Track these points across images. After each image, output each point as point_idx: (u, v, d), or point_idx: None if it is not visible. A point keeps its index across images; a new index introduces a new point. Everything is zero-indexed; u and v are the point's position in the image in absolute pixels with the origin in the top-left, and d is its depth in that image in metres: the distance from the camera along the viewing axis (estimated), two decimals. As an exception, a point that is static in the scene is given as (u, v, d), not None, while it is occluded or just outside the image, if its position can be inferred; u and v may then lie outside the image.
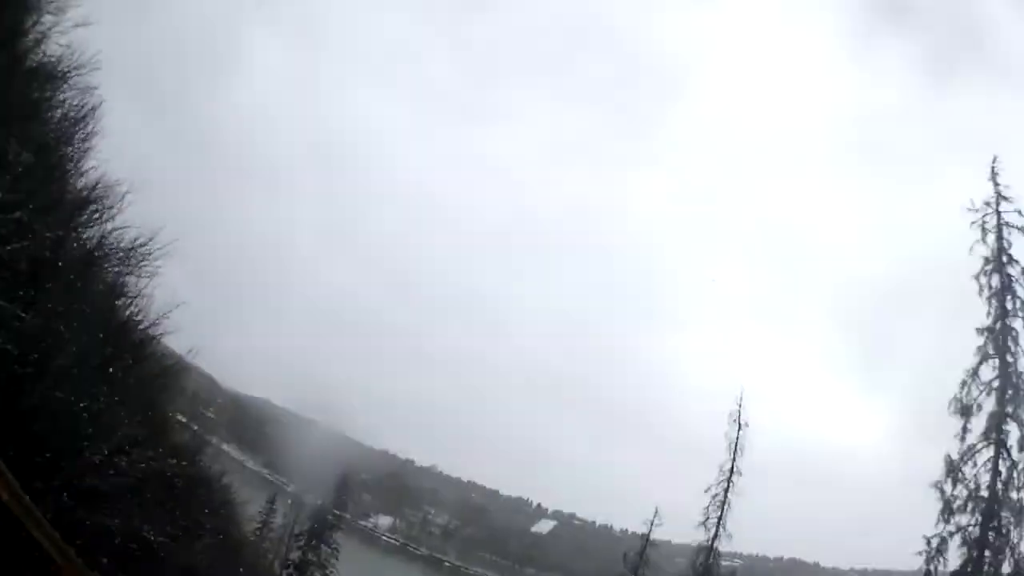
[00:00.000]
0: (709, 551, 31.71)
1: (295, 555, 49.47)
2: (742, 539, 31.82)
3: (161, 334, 18.93)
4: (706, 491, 31.90)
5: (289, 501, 53.86)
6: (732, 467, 32.04)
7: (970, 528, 23.25)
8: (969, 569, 21.43)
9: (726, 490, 32.20)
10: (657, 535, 33.93)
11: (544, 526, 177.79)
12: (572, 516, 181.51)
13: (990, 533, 21.66)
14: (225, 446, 73.45)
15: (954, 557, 23.33)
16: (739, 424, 32.31)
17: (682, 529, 33.58)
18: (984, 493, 21.83)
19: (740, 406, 32.88)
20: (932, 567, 22.57)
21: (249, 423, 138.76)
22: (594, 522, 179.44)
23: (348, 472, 52.73)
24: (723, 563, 32.08)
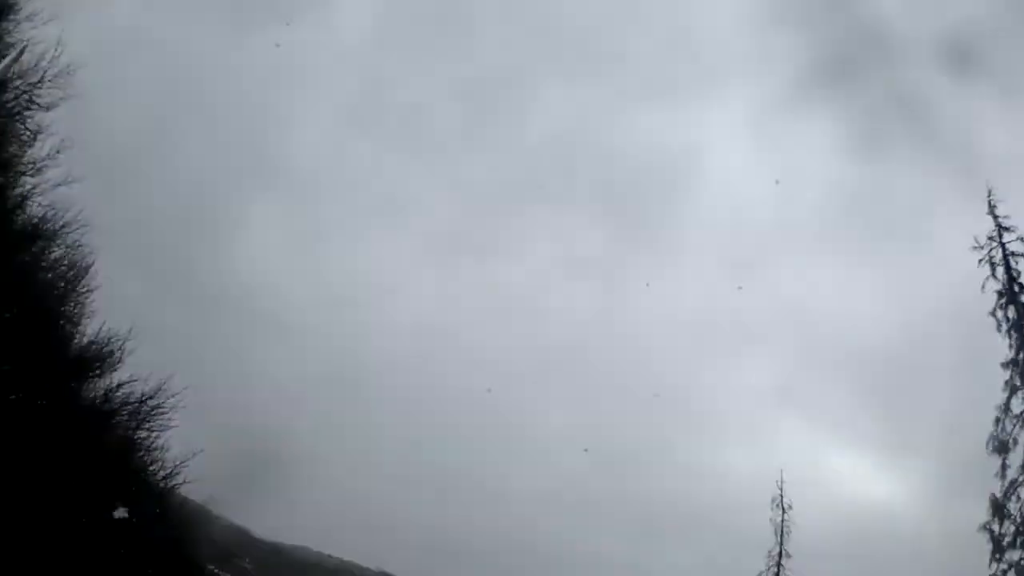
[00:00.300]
0: None
1: None
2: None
3: (179, 484, 18.05)
4: None
5: None
6: (780, 551, 31.63)
7: (1022, 562, 22.49)
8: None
9: (776, 574, 31.62)
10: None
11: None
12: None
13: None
14: None
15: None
16: (782, 507, 31.80)
17: None
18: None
19: (781, 489, 32.34)
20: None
21: (286, 571, 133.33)
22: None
23: None
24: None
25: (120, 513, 9.48)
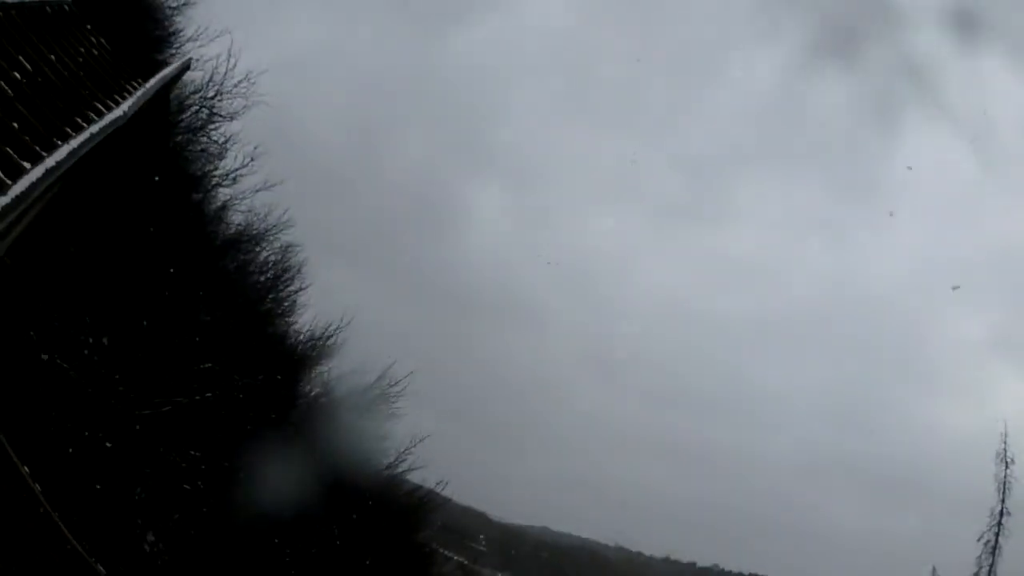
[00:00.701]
0: None
1: None
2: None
3: (409, 469, 18.29)
4: (978, 540, 28.44)
5: None
6: (1002, 508, 28.57)
7: None
8: None
9: (997, 534, 28.57)
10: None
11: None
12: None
13: None
14: (499, 574, 73.30)
15: None
16: (1006, 461, 28.22)
17: None
18: None
19: (1005, 442, 28.79)
20: None
21: (523, 550, 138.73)
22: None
23: None
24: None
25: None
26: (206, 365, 10.07)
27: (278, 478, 11.49)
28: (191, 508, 8.23)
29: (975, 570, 28.45)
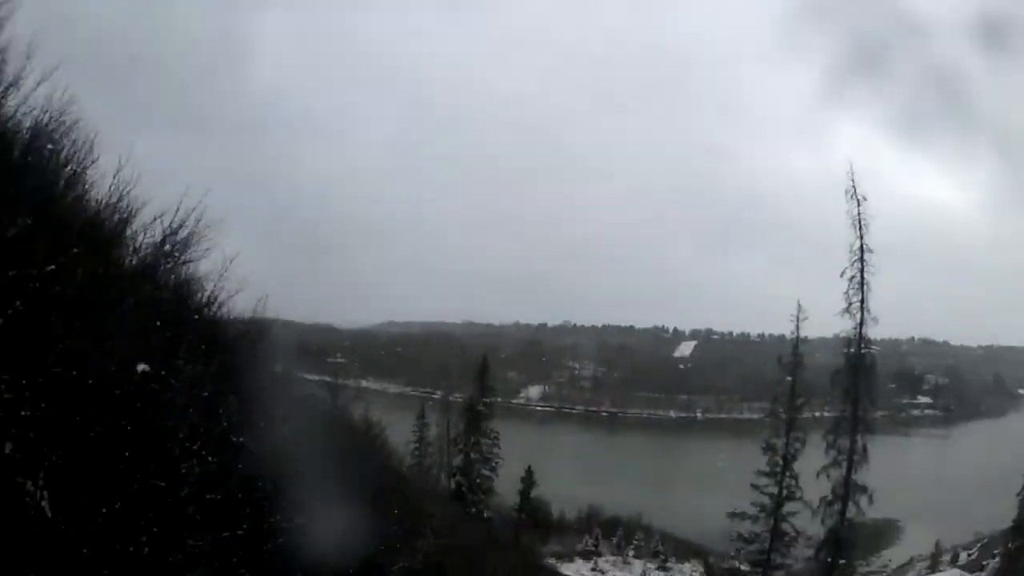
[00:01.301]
0: (860, 338, 30.47)
1: (457, 460, 48.74)
2: (874, 324, 30.36)
3: (229, 301, 17.90)
4: (842, 274, 30.04)
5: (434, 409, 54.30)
6: (861, 244, 30.09)
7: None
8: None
9: (861, 270, 30.33)
10: (785, 331, 33.95)
11: (685, 348, 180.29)
12: (709, 332, 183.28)
13: None
14: (363, 382, 76.55)
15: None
16: (857, 199, 30.09)
17: (816, 324, 33.12)
18: None
19: (853, 181, 30.60)
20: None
21: (379, 351, 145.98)
22: (731, 333, 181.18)
23: (487, 357, 51.97)
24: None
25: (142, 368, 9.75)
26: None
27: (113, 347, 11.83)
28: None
29: (845, 306, 30.83)
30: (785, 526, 32.48)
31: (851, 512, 31.12)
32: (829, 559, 30.71)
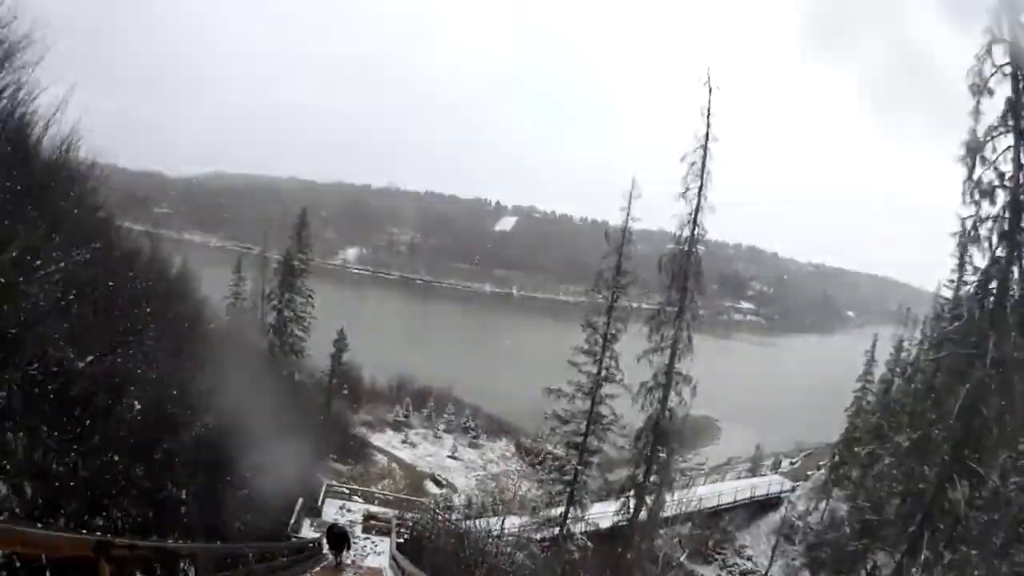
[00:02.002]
0: (694, 223, 30.44)
1: (271, 318, 46.02)
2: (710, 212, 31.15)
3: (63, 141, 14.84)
4: (682, 159, 29.39)
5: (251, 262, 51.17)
6: (707, 131, 29.61)
7: (1002, 218, 21.41)
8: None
9: (703, 157, 29.87)
10: (609, 218, 33.66)
11: (506, 223, 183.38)
12: (532, 210, 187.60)
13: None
14: (186, 235, 70.77)
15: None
16: (709, 87, 29.54)
17: (640, 215, 32.90)
18: (1008, 183, 20.04)
19: (709, 77, 29.98)
20: (966, 253, 21.23)
21: (205, 203, 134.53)
22: (554, 212, 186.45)
23: (306, 210, 48.56)
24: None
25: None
26: None
27: None
28: None
29: (681, 190, 29.98)
30: (603, 408, 32.81)
31: (672, 402, 31.46)
32: (647, 448, 31.72)
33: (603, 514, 31.71)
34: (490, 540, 16.56)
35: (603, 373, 32.36)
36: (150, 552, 6.59)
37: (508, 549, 16.42)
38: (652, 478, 31.64)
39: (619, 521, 31.31)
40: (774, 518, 38.87)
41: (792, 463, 49.90)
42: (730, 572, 35.48)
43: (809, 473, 45.10)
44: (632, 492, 31.77)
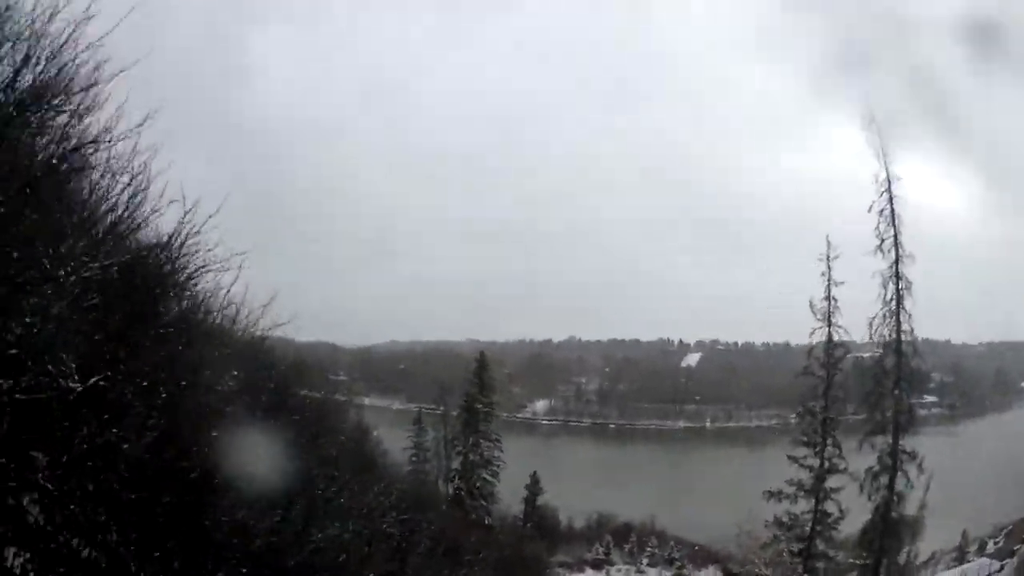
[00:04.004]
0: (899, 327, 28.69)
1: (455, 464, 47.04)
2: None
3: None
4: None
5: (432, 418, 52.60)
6: (896, 238, 28.44)
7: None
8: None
9: (897, 270, 28.78)
10: (801, 340, 31.52)
11: (691, 359, 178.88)
12: (715, 343, 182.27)
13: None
14: (365, 400, 76.00)
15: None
16: (889, 180, 28.56)
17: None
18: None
19: (888, 174, 29.29)
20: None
21: (382, 369, 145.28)
22: (736, 343, 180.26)
23: (484, 355, 49.91)
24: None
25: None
26: None
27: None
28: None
29: (877, 243, 28.96)
30: (828, 505, 29.45)
31: (900, 485, 28.39)
32: (877, 542, 28.09)
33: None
34: None
35: (826, 464, 28.54)
36: None
37: None
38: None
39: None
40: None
41: (995, 543, 45.86)
42: None
43: (1015, 549, 40.85)
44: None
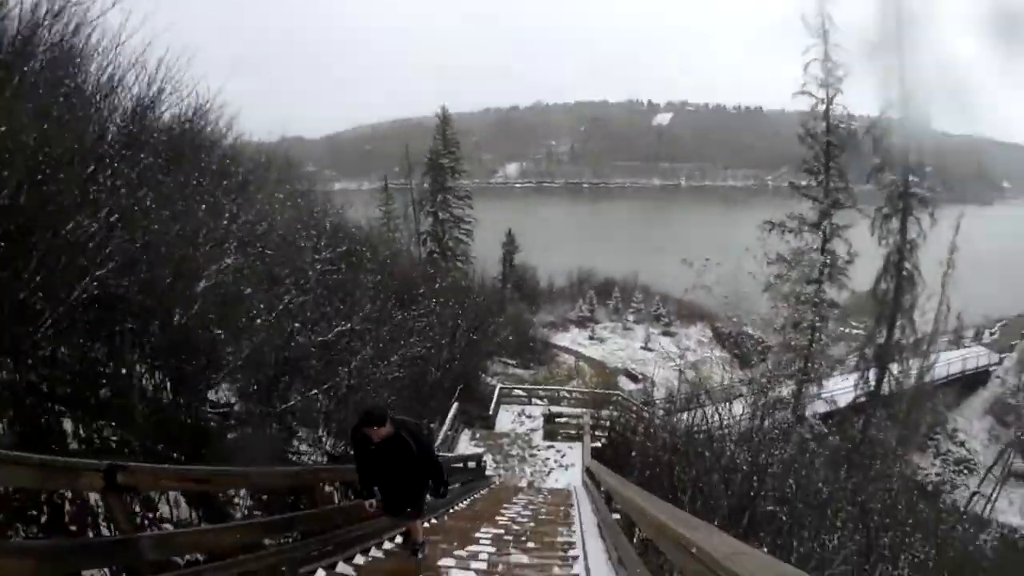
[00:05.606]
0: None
1: (426, 224, 44.97)
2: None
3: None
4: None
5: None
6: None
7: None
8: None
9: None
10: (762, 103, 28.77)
11: (662, 119, 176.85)
12: (684, 104, 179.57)
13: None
14: (336, 185, 74.48)
15: None
16: None
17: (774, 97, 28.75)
18: None
19: None
20: None
21: (350, 153, 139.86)
22: (707, 105, 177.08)
23: (445, 109, 46.14)
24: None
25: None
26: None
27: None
28: None
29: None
30: (836, 244, 25.79)
31: (913, 232, 26.19)
32: (889, 295, 26.12)
33: (839, 390, 27.53)
34: (702, 434, 14.40)
35: (830, 198, 24.79)
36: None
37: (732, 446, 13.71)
38: (895, 334, 26.13)
39: (858, 396, 26.99)
40: (983, 395, 35.31)
41: (991, 333, 45.76)
42: (944, 460, 31.10)
43: (1013, 343, 40.97)
44: (872, 357, 26.63)
